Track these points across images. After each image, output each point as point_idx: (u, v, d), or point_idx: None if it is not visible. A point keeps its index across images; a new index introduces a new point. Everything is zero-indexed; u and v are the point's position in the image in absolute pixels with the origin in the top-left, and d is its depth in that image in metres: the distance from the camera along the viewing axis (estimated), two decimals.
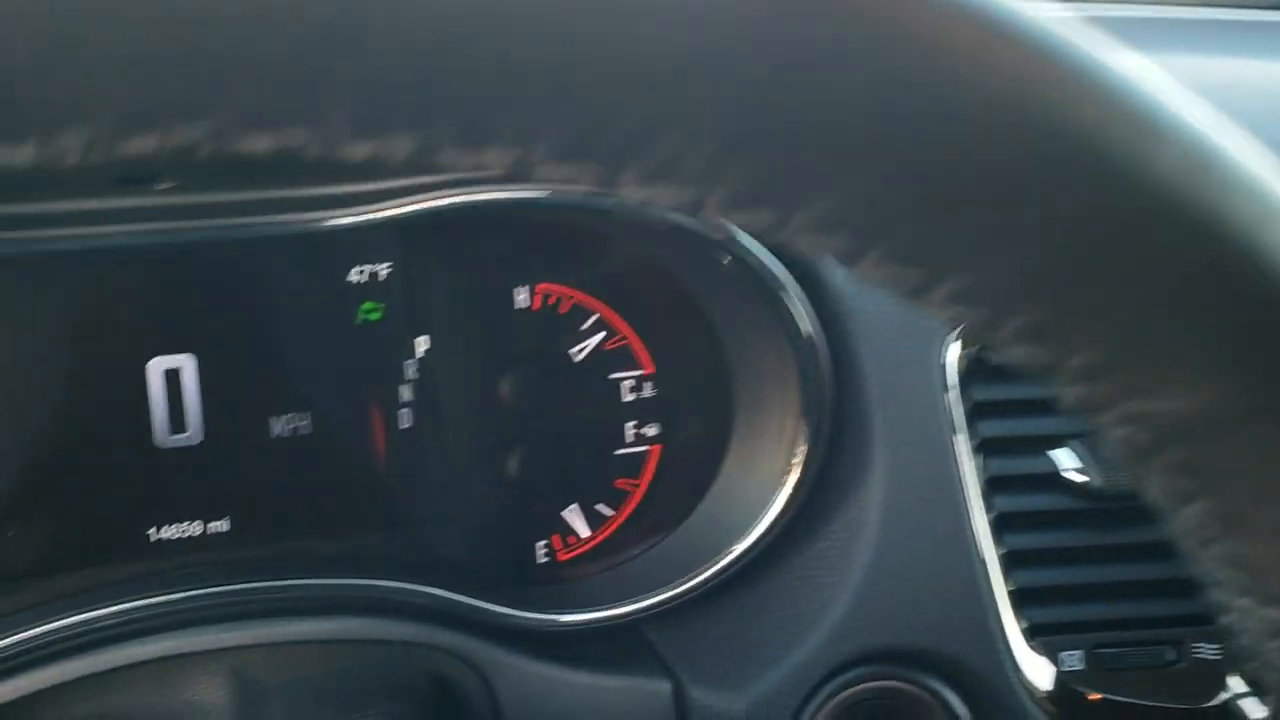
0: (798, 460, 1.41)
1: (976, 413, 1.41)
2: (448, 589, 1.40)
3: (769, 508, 1.43)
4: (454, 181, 1.31)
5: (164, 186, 1.24)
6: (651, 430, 1.59)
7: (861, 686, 1.38)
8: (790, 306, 1.36)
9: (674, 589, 1.44)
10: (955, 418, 1.41)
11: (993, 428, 1.42)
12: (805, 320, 1.36)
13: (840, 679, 1.37)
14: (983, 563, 1.39)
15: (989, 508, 1.40)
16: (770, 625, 1.41)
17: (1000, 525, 1.40)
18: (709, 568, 1.44)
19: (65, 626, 1.29)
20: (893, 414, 1.40)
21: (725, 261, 1.36)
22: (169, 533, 1.43)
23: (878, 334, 1.40)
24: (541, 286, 1.54)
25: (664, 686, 1.38)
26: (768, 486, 1.44)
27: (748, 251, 1.34)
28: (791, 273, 1.35)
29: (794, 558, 1.44)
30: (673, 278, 1.48)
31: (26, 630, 1.28)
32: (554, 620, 1.43)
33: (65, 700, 1.34)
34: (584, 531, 1.58)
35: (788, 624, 1.40)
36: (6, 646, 1.27)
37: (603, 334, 1.57)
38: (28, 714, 1.33)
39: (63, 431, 1.39)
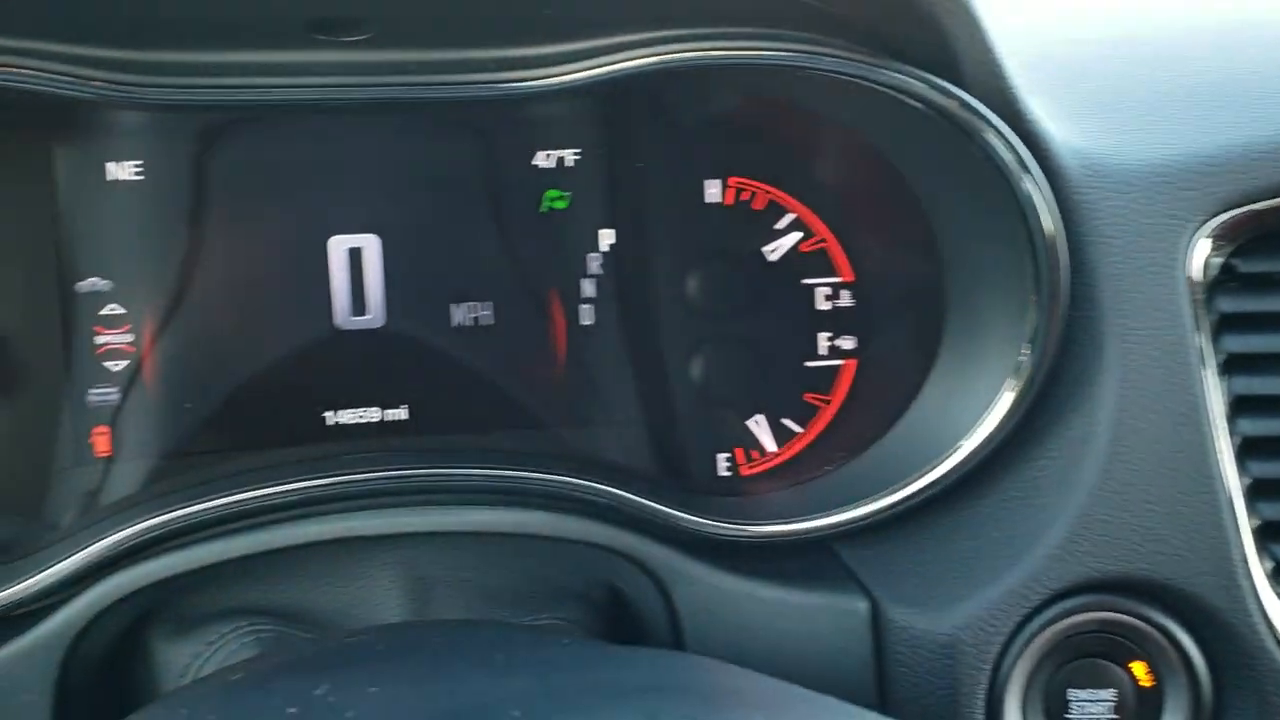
0: (1019, 372, 1.28)
1: (1223, 326, 1.27)
2: (625, 491, 1.31)
3: (981, 423, 1.30)
4: (648, 41, 1.22)
5: (357, 38, 1.18)
6: (847, 343, 1.48)
7: (1082, 617, 1.25)
8: (1034, 198, 1.23)
9: (870, 506, 1.33)
10: (1199, 330, 1.27)
11: (1241, 343, 1.27)
12: (1047, 215, 1.23)
13: (1058, 607, 1.25)
14: (1224, 492, 1.24)
15: (1233, 431, 1.26)
16: (979, 547, 1.29)
17: (1245, 451, 1.25)
18: (908, 485, 1.32)
19: (240, 502, 1.25)
20: (1128, 323, 1.26)
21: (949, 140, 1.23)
22: (346, 417, 1.38)
23: (1116, 233, 1.26)
24: (735, 179, 1.45)
25: (860, 605, 1.28)
26: (979, 400, 1.32)
27: (987, 124, 1.21)
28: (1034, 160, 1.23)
29: (1008, 476, 1.31)
30: (884, 166, 1.36)
31: (201, 504, 1.24)
32: (740, 530, 1.33)
33: (238, 581, 1.29)
34: (769, 446, 1.48)
35: (999, 546, 1.28)
36: (181, 518, 1.23)
37: (799, 235, 1.46)
38: (203, 593, 1.29)
39: (244, 305, 1.35)
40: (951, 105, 1.20)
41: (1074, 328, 1.27)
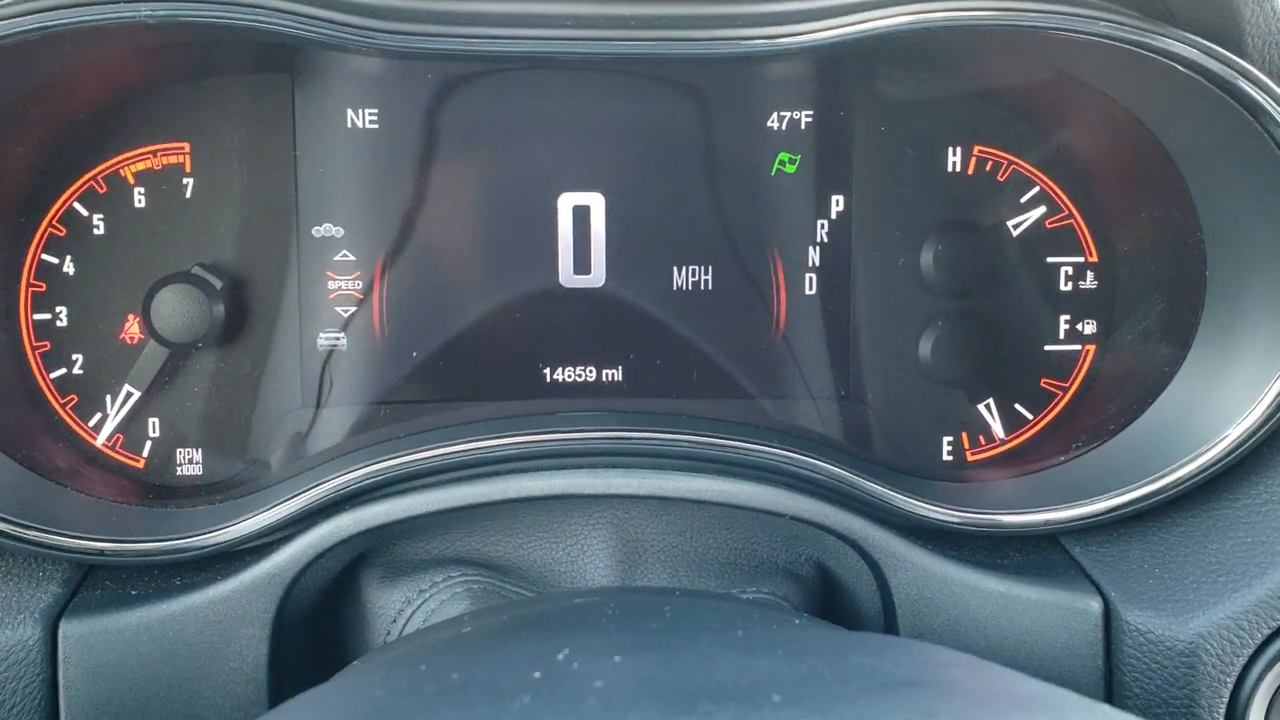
0: None
1: None
2: (847, 469, 1.26)
3: (1236, 422, 1.21)
4: None
5: None
6: (1088, 328, 1.40)
7: None
8: None
9: (1113, 500, 1.25)
10: None
11: None
12: None
13: None
14: None
15: None
16: (1226, 551, 1.20)
17: None
18: (1156, 481, 1.24)
19: (461, 453, 1.24)
20: None
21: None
22: (565, 374, 1.36)
23: None
24: (979, 148, 1.38)
25: (1092, 604, 1.20)
26: (1239, 395, 1.22)
27: (1273, 99, 1.11)
28: None
29: (1263, 479, 1.22)
30: (1147, 141, 1.27)
31: (423, 452, 1.24)
32: (969, 518, 1.26)
33: (451, 530, 1.30)
34: (999, 432, 1.41)
35: (1249, 552, 1.19)
36: (403, 465, 1.23)
37: (1043, 209, 1.39)
38: (416, 540, 1.30)
39: (472, 258, 1.35)
40: (1235, 78, 1.11)
41: None
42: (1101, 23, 1.11)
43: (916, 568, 1.25)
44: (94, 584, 1.23)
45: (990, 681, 0.69)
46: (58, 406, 1.33)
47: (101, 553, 1.21)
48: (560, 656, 0.72)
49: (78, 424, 1.34)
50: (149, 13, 1.08)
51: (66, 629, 1.16)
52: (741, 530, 1.32)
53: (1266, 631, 1.16)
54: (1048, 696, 0.67)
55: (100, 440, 1.34)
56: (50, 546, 1.18)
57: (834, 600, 1.34)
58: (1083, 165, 1.36)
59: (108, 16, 1.08)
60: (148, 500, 1.32)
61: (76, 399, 1.34)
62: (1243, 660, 1.16)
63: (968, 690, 0.65)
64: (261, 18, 1.12)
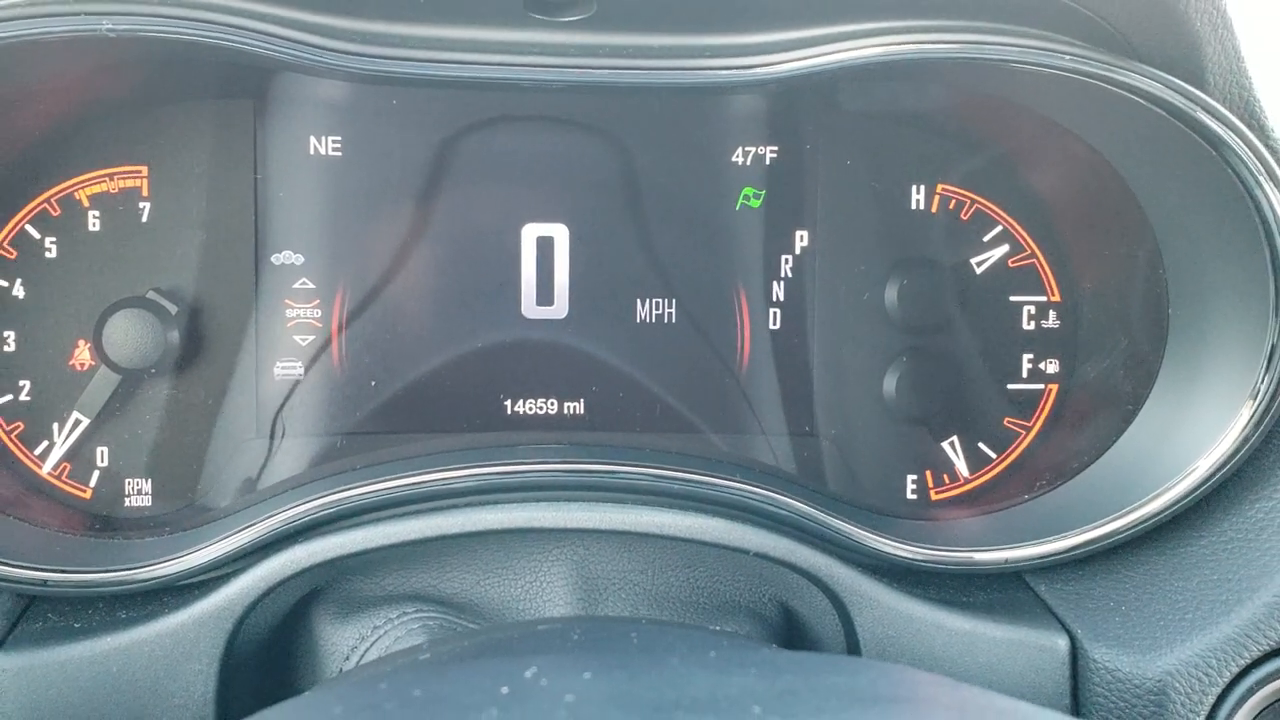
0: (1249, 405, 1.19)
1: None
2: (812, 505, 1.25)
3: (1200, 459, 1.21)
4: (872, 32, 1.16)
5: (574, 18, 1.14)
6: (1050, 367, 1.40)
7: None
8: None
9: (1078, 537, 1.24)
10: None
11: None
12: None
13: None
14: None
15: None
16: (1192, 589, 1.20)
17: None
18: (1121, 518, 1.23)
19: (419, 484, 1.21)
20: None
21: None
22: (526, 407, 1.34)
23: None
24: (942, 187, 1.38)
25: (1059, 643, 1.19)
26: (1200, 434, 1.22)
27: (1236, 133, 1.12)
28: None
29: (1228, 516, 1.22)
30: (1109, 178, 1.28)
31: (380, 484, 1.21)
32: (935, 556, 1.25)
33: (407, 566, 1.27)
34: (963, 471, 1.40)
35: (1215, 589, 1.18)
36: (358, 497, 1.20)
37: (1006, 248, 1.39)
38: (370, 576, 1.27)
39: (434, 287, 1.33)
40: (1196, 112, 1.12)
41: None
42: (1066, 57, 1.12)
43: (881, 606, 1.23)
44: (35, 616, 1.19)
45: (970, 699, 0.67)
46: (2, 434, 1.29)
47: (44, 583, 1.16)
48: (528, 674, 0.70)
49: (23, 452, 1.30)
50: (110, 26, 1.06)
51: (4, 662, 1.12)
52: (704, 568, 1.30)
53: (1236, 669, 1.15)
54: (1028, 714, 0.66)
55: (46, 469, 1.30)
56: None
57: (797, 640, 1.32)
58: (1046, 204, 1.37)
59: (68, 29, 1.06)
60: (94, 531, 1.28)
61: (22, 426, 1.30)
62: (1212, 698, 1.15)
63: (948, 704, 0.63)
64: (225, 35, 1.11)
